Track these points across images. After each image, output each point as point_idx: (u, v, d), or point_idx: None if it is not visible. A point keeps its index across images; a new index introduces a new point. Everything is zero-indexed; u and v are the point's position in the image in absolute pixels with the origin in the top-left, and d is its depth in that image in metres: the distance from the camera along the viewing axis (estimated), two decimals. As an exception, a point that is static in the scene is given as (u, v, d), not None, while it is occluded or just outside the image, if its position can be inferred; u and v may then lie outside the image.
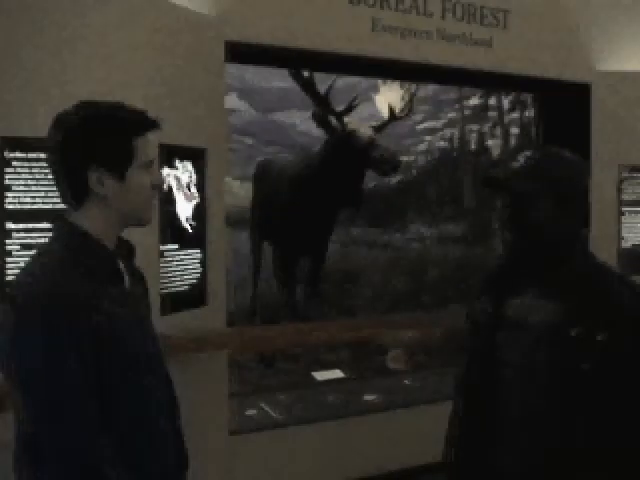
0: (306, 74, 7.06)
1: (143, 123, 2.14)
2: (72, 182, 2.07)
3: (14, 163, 3.69)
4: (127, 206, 2.13)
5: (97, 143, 2.06)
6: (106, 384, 1.99)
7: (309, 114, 7.70)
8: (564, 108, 6.50)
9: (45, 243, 2.13)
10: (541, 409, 2.25)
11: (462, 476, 2.57)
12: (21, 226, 3.71)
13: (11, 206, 3.71)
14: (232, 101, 9.80)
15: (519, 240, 2.36)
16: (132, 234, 2.28)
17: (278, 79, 9.80)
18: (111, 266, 2.14)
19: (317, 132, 8.21)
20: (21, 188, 3.71)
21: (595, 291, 2.24)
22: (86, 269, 2.03)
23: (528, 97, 10.96)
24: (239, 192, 9.88)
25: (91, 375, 1.95)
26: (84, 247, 2.07)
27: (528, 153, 2.39)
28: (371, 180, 9.25)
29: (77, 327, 1.92)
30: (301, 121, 10.63)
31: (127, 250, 2.27)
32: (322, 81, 7.20)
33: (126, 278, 2.21)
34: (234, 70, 5.65)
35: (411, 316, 7.75)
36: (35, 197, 3.72)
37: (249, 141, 11.09)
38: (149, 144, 2.17)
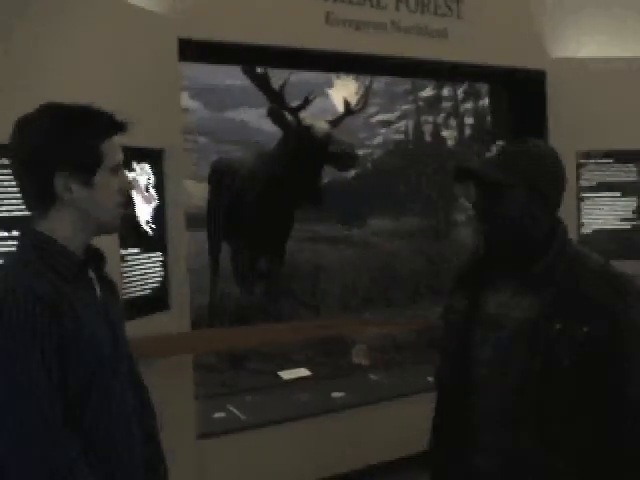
0: (260, 70, 6.98)
1: (111, 126, 2.07)
2: (37, 188, 2.00)
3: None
4: (95, 212, 2.06)
5: (63, 147, 1.98)
6: (71, 387, 1.93)
7: (262, 111, 7.65)
8: (520, 96, 6.50)
9: (10, 252, 2.05)
10: (516, 407, 2.20)
11: (439, 474, 2.53)
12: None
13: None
14: (184, 100, 9.69)
15: (492, 233, 2.31)
16: (93, 239, 2.20)
17: (230, 77, 9.73)
18: (80, 272, 2.07)
19: (271, 129, 8.16)
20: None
21: (571, 285, 2.18)
22: (53, 273, 1.96)
23: (482, 87, 11.00)
24: (194, 192, 9.78)
25: (55, 377, 1.88)
26: (52, 253, 2.00)
27: (501, 143, 2.34)
28: (326, 175, 9.20)
29: (40, 328, 1.86)
30: (255, 118, 10.56)
31: (97, 258, 2.19)
32: (275, 77, 7.13)
33: (97, 286, 2.14)
34: (184, 69, 5.55)
35: (376, 312, 7.73)
36: (4, 204, 3.57)
37: (203, 140, 11.02)
38: (117, 147, 2.10)
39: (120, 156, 2.12)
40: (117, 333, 2.16)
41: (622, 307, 2.14)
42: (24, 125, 2.01)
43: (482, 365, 2.29)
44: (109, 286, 2.25)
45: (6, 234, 3.58)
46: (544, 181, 2.24)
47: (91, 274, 2.14)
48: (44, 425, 1.85)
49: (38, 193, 2.01)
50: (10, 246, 3.52)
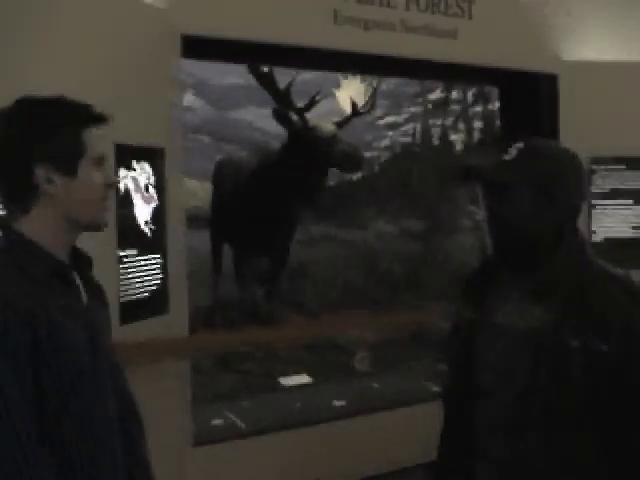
0: (265, 69, 6.87)
1: (89, 115, 1.97)
2: (17, 180, 1.89)
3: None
4: (78, 206, 1.95)
5: (43, 136, 1.89)
6: (47, 399, 1.82)
7: (267, 111, 7.53)
8: (530, 100, 6.38)
9: None
10: (521, 415, 2.11)
11: None
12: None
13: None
14: (187, 99, 9.62)
15: (498, 237, 2.20)
16: (88, 239, 2.08)
17: (234, 75, 9.65)
18: (60, 276, 1.95)
19: (276, 129, 8.06)
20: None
21: (581, 295, 2.07)
22: (31, 278, 1.85)
23: (491, 90, 10.91)
24: (196, 191, 9.70)
25: (29, 390, 1.77)
26: (29, 256, 1.88)
27: (515, 144, 2.22)
28: (333, 177, 9.11)
29: (13, 337, 1.74)
30: (259, 118, 10.48)
31: (84, 262, 2.07)
32: (282, 77, 7.02)
33: (82, 291, 2.02)
34: (188, 66, 5.45)
35: (374, 315, 7.65)
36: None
37: (205, 139, 10.93)
38: (99, 139, 1.99)
39: (103, 148, 2.01)
40: (100, 341, 2.04)
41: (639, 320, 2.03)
42: (1, 117, 1.91)
43: (487, 372, 2.21)
44: (96, 292, 2.13)
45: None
46: (551, 182, 2.12)
47: (76, 279, 2.01)
48: (17, 446, 1.73)
49: (18, 185, 1.90)
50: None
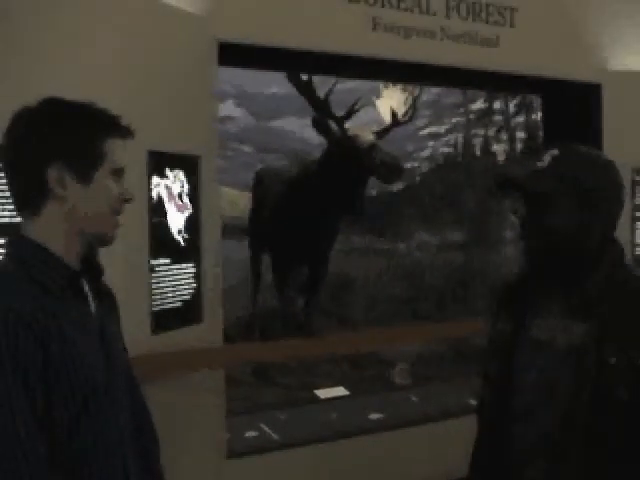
0: (304, 78, 6.84)
1: (113, 125, 1.92)
2: (29, 180, 1.84)
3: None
4: (88, 215, 1.89)
5: (62, 136, 1.84)
6: (57, 417, 1.76)
7: (307, 121, 7.50)
8: (573, 110, 6.27)
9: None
10: (563, 440, 1.99)
11: None
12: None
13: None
14: (228, 108, 9.63)
15: (538, 248, 2.11)
16: (119, 248, 2.03)
17: (275, 85, 9.64)
18: (72, 285, 1.89)
19: (316, 139, 8.05)
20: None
21: (626, 309, 1.98)
22: (42, 288, 1.79)
23: (534, 100, 10.80)
24: (237, 201, 9.69)
25: (38, 406, 1.71)
26: (42, 265, 1.82)
27: (549, 151, 2.14)
28: (373, 187, 9.05)
29: (24, 353, 1.68)
30: (299, 128, 10.46)
31: (94, 270, 2.02)
32: (321, 86, 6.98)
33: (90, 300, 1.96)
34: (230, 76, 5.43)
35: (414, 327, 7.57)
36: (13, 210, 3.44)
37: (246, 149, 10.93)
38: (121, 150, 1.94)
39: (124, 161, 1.95)
40: (113, 352, 1.98)
41: None
42: (22, 113, 1.87)
43: (526, 392, 2.11)
44: (107, 299, 2.08)
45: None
46: (594, 191, 2.03)
47: (85, 287, 1.95)
48: (25, 465, 1.67)
49: (30, 183, 1.84)
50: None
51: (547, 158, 2.10)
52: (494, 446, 2.22)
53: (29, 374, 1.69)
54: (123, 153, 1.95)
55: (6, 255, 1.87)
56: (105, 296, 2.06)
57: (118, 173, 1.93)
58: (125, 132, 1.94)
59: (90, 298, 1.96)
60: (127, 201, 1.98)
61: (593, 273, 2.04)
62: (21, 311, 1.71)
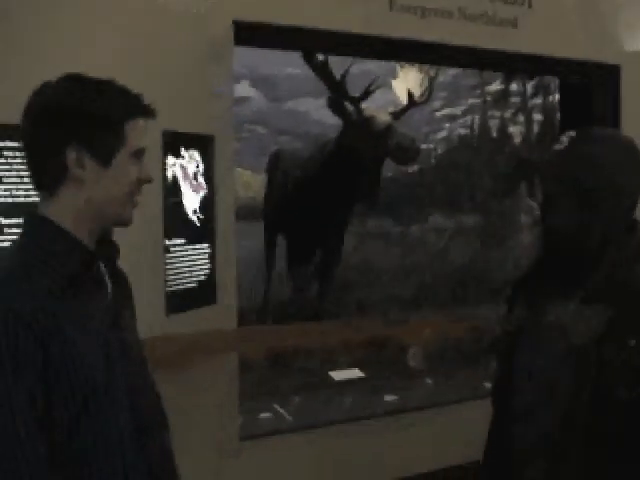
0: (320, 58, 6.80)
1: (136, 105, 1.88)
2: (47, 158, 1.81)
3: (5, 153, 3.42)
4: (106, 197, 1.85)
5: (82, 117, 1.80)
6: (57, 417, 1.74)
7: (323, 102, 7.46)
8: (592, 91, 6.21)
9: (14, 243, 1.86)
10: (563, 440, 1.98)
11: None
12: (14, 221, 3.42)
13: (2, 199, 3.43)
14: (243, 89, 9.60)
15: (546, 240, 2.10)
16: (134, 229, 2.00)
17: (291, 66, 9.58)
18: (91, 268, 1.87)
19: (331, 120, 8.02)
20: (13, 180, 3.43)
21: (628, 308, 1.94)
22: (53, 279, 1.76)
23: (551, 82, 10.73)
24: (251, 183, 9.66)
25: (38, 406, 1.69)
26: (58, 247, 1.80)
27: (571, 134, 2.09)
28: (389, 169, 9.01)
29: (24, 353, 1.67)
30: (315, 109, 10.42)
31: (110, 251, 1.99)
32: (337, 67, 6.94)
33: (107, 282, 1.94)
34: (245, 57, 5.39)
35: (430, 313, 7.55)
36: (29, 190, 3.39)
37: (261, 130, 10.89)
38: (142, 131, 1.90)
39: (145, 142, 1.92)
40: (127, 338, 1.97)
41: None
42: (43, 88, 1.85)
43: (526, 392, 2.09)
44: (122, 285, 2.05)
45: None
46: (594, 188, 2.00)
47: (102, 269, 1.93)
48: (25, 465, 1.66)
49: (48, 166, 1.81)
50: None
51: (564, 139, 2.06)
52: (495, 445, 2.23)
53: (29, 374, 1.67)
54: (144, 134, 1.92)
55: (23, 237, 1.85)
56: (120, 280, 2.04)
57: (138, 154, 1.90)
58: (147, 112, 1.90)
59: (107, 279, 1.94)
60: (146, 182, 1.96)
61: (600, 268, 2.01)
62: (21, 311, 1.68)
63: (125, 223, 1.94)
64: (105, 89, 1.86)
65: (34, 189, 1.89)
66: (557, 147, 2.07)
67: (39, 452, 1.68)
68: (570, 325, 1.98)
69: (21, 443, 1.65)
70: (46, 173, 1.83)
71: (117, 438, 1.89)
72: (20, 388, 1.65)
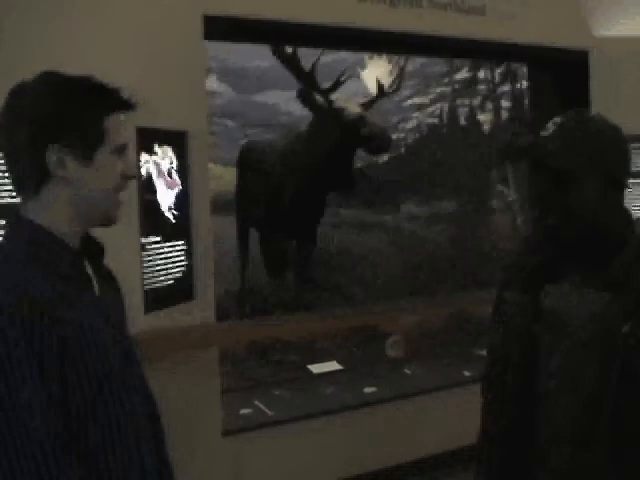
0: (289, 50, 6.78)
1: (116, 100, 1.85)
2: (28, 161, 1.77)
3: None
4: (91, 194, 1.83)
5: (59, 115, 1.77)
6: (73, 403, 1.72)
7: (293, 93, 7.45)
8: (561, 78, 6.24)
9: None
10: (589, 424, 1.94)
11: None
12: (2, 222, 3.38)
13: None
14: (212, 83, 9.52)
15: (558, 224, 2.01)
16: (111, 227, 1.98)
17: (259, 58, 9.53)
18: (79, 269, 1.85)
19: (301, 112, 7.98)
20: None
21: None
22: (52, 272, 1.75)
23: (519, 69, 10.75)
24: (222, 176, 9.61)
25: (54, 393, 1.67)
26: (47, 246, 1.78)
27: (561, 121, 2.05)
28: (360, 160, 9.00)
29: (39, 339, 1.64)
30: (284, 101, 10.36)
31: (95, 250, 1.97)
32: (306, 58, 6.93)
33: (94, 282, 1.91)
34: (212, 51, 5.36)
35: (408, 301, 7.57)
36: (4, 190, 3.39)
37: (231, 124, 10.83)
38: (123, 126, 1.88)
39: (126, 137, 1.89)
40: (122, 334, 1.95)
41: None
42: (18, 90, 1.80)
43: (549, 376, 2.03)
44: (109, 280, 2.02)
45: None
46: (617, 165, 1.99)
47: (88, 268, 1.91)
48: (41, 455, 1.63)
49: (28, 167, 1.78)
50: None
51: (563, 129, 2.02)
52: (517, 430, 2.14)
53: (44, 360, 1.65)
54: (124, 129, 1.89)
55: (9, 238, 1.82)
56: (108, 279, 2.02)
57: (120, 150, 1.87)
58: (126, 106, 1.87)
59: (93, 279, 1.92)
60: (130, 178, 1.94)
61: (620, 250, 1.98)
62: (35, 297, 1.66)
63: (111, 221, 1.91)
64: (82, 86, 1.82)
65: (15, 192, 1.86)
66: (566, 125, 2.02)
67: (55, 439, 1.66)
68: (593, 310, 1.94)
69: (37, 429, 1.63)
70: (27, 176, 1.79)
71: (132, 424, 1.88)
72: (36, 374, 1.63)
